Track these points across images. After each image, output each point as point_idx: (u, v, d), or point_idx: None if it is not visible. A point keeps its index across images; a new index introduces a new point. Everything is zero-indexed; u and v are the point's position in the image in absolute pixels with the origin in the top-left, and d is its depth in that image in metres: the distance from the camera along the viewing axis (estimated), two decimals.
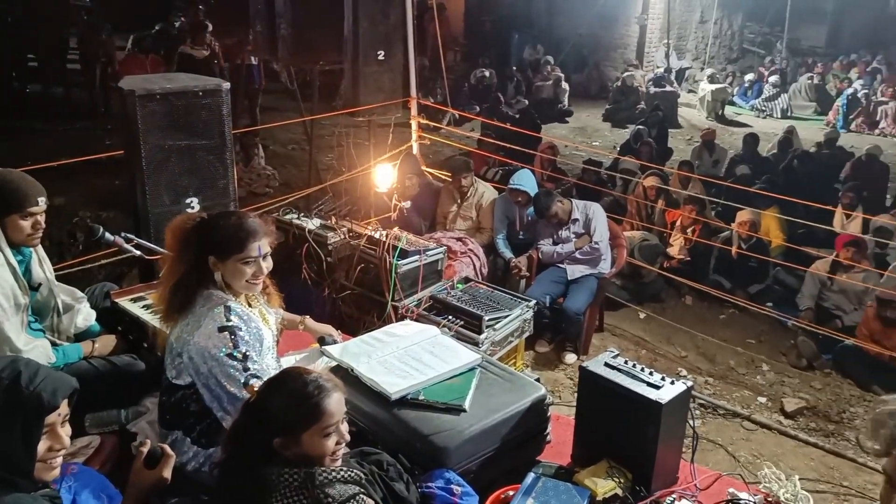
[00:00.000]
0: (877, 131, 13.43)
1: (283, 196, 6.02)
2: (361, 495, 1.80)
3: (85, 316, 3.08)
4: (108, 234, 3.33)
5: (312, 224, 4.79)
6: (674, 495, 2.54)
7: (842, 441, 4.56)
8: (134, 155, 3.81)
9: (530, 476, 2.52)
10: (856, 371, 5.25)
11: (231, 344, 2.36)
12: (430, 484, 2.29)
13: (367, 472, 2.23)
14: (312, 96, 7.38)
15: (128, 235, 3.43)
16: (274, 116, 8.80)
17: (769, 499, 2.62)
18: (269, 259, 2.55)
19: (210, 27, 9.20)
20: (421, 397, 2.58)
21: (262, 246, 2.50)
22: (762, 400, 4.99)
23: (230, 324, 2.39)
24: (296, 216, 4.92)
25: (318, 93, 7.50)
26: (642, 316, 6.03)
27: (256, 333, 2.46)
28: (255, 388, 2.20)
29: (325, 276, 4.67)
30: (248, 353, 2.38)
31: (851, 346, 5.34)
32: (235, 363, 2.35)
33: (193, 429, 2.46)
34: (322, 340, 2.99)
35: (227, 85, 3.97)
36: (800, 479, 2.78)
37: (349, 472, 1.83)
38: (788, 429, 4.64)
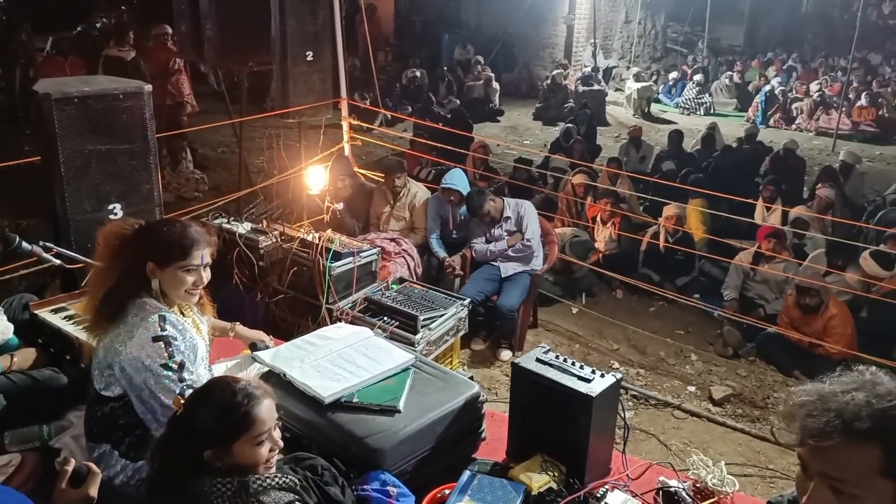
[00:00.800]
0: (793, 126, 13.99)
1: (213, 200, 5.90)
2: (296, 502, 1.78)
3: (1, 329, 2.96)
4: (24, 244, 3.20)
5: (243, 228, 4.72)
6: (606, 486, 2.59)
7: (767, 426, 4.74)
8: (52, 161, 3.68)
9: (466, 474, 2.53)
10: (778, 358, 5.46)
11: (166, 354, 2.31)
12: (365, 486, 2.28)
13: (301, 477, 2.20)
14: (241, 98, 7.25)
15: (47, 244, 3.31)
16: (202, 119, 8.61)
17: (697, 485, 2.69)
18: (209, 270, 2.52)
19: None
20: (355, 400, 2.56)
21: (205, 255, 2.47)
22: (691, 389, 5.14)
23: (165, 333, 2.34)
24: (225, 220, 4.84)
25: (246, 94, 7.37)
26: (575, 311, 6.14)
27: (191, 343, 2.41)
28: (182, 401, 2.16)
29: (258, 281, 4.61)
30: (184, 364, 2.34)
31: (773, 334, 5.55)
32: (171, 374, 2.30)
33: (122, 441, 2.39)
34: (253, 346, 2.94)
35: (148, 87, 3.87)
36: (728, 463, 2.88)
37: (283, 479, 1.81)
38: (717, 416, 4.80)
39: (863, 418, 1.31)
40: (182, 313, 2.51)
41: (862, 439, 1.31)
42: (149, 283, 2.41)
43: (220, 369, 2.84)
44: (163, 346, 2.31)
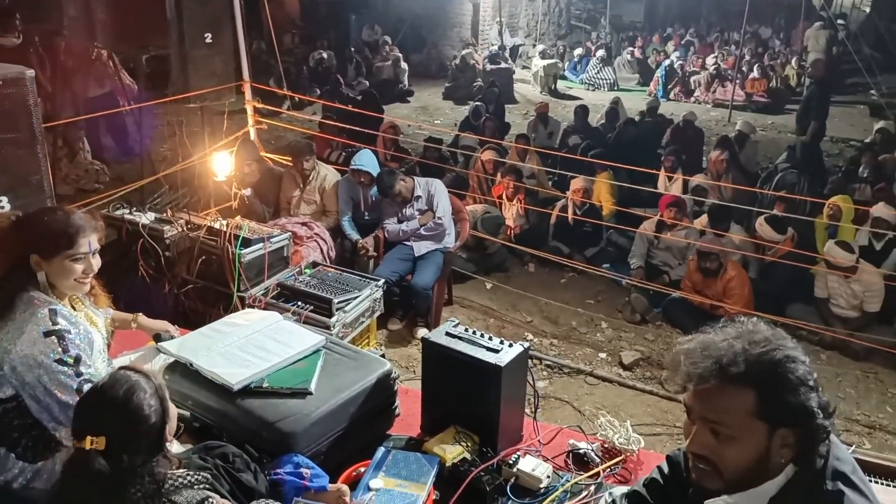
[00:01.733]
0: (692, 99, 14.53)
1: (115, 190, 5.68)
2: (211, 499, 1.75)
3: None
4: None
5: (146, 218, 4.59)
6: (518, 453, 2.66)
7: (674, 386, 4.95)
8: None
9: (380, 450, 2.56)
10: (682, 321, 5.70)
11: (60, 349, 2.22)
12: (278, 470, 2.27)
13: (212, 466, 2.18)
14: (139, 83, 6.97)
15: None
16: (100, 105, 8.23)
17: (605, 445, 2.80)
18: (98, 256, 2.42)
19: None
20: (265, 384, 2.54)
21: (92, 241, 2.37)
22: (602, 356, 5.31)
23: (57, 327, 2.25)
24: (127, 211, 4.69)
25: (146, 80, 7.09)
26: (489, 286, 6.23)
27: (85, 338, 2.33)
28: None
29: (165, 272, 4.49)
30: (80, 357, 2.25)
31: (678, 299, 5.79)
32: (66, 368, 2.21)
33: (19, 443, 2.29)
34: (158, 337, 2.87)
35: (30, 72, 3.65)
36: (638, 424, 3.01)
37: (195, 476, 1.78)
38: (627, 380, 4.99)
39: (738, 363, 1.40)
40: (73, 307, 2.42)
41: (737, 383, 1.40)
42: (35, 276, 2.31)
43: (122, 362, 2.75)
44: (55, 340, 2.22)
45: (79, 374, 2.23)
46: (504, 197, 7.02)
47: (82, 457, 1.67)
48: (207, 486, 1.86)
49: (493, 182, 7.35)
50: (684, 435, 1.52)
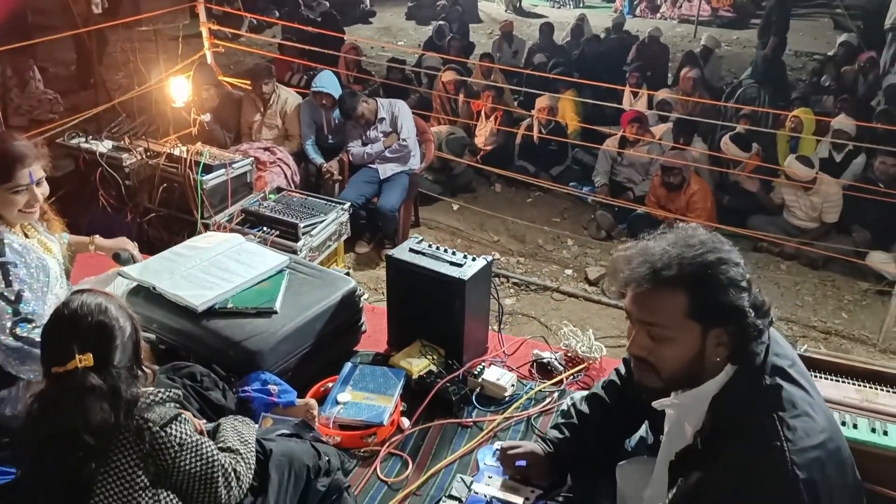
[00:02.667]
0: (658, 15, 14.34)
1: (70, 118, 5.51)
2: (182, 415, 1.77)
3: None
4: None
5: (104, 147, 4.49)
6: (484, 364, 2.72)
7: (613, 293, 5.06)
8: None
9: (347, 366, 2.60)
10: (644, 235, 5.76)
11: (3, 282, 2.17)
12: (246, 388, 2.30)
13: (180, 385, 2.20)
14: (88, 7, 6.67)
15: None
16: (47, 33, 7.90)
17: (568, 354, 2.88)
18: (45, 184, 2.35)
19: None
20: (229, 305, 2.55)
21: (35, 172, 2.28)
22: (568, 272, 5.39)
23: (3, 259, 2.19)
24: (84, 140, 4.57)
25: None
26: (455, 207, 6.23)
27: (39, 266, 2.29)
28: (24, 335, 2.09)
29: (126, 201, 4.43)
30: (21, 294, 2.19)
31: (642, 214, 5.85)
32: (4, 305, 2.15)
33: None
34: (117, 257, 2.83)
35: None
36: (603, 336, 3.08)
37: (167, 394, 1.78)
38: (592, 295, 5.08)
39: (671, 266, 1.44)
40: (25, 234, 2.36)
41: (669, 285, 1.44)
42: None
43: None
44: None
45: (16, 314, 2.17)
46: (483, 114, 6.96)
47: (74, 376, 1.65)
48: (178, 404, 1.88)
49: (456, 102, 7.26)
50: (628, 339, 1.56)
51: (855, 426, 2.08)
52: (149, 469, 1.66)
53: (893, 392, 2.22)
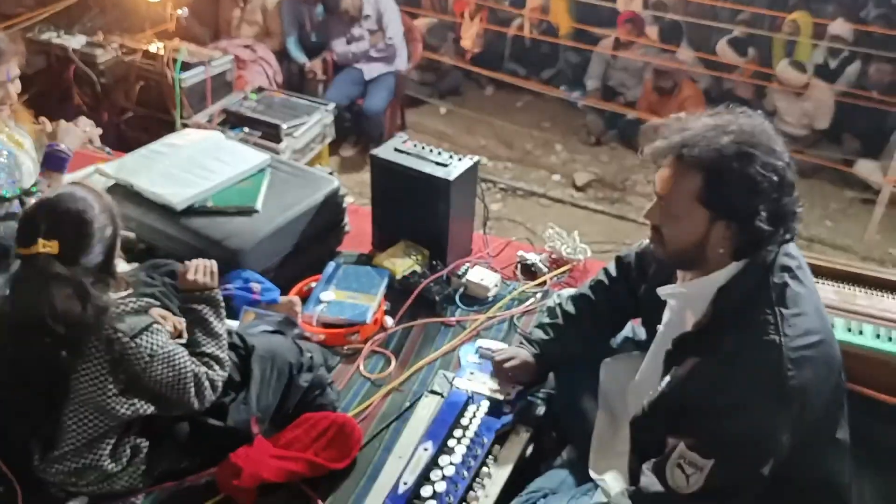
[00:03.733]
0: None
1: (39, 11, 5.26)
2: (155, 324, 1.74)
3: None
4: None
5: (76, 42, 4.32)
6: (468, 264, 2.72)
7: (626, 206, 5.05)
8: None
9: (331, 265, 2.59)
10: (637, 141, 5.70)
11: None
12: (227, 286, 2.29)
13: (160, 283, 2.18)
14: None
15: None
16: None
17: (553, 256, 2.88)
18: (18, 82, 2.28)
19: None
20: (209, 204, 2.50)
21: (11, 69, 2.22)
22: (556, 178, 5.34)
23: None
24: (55, 35, 4.40)
25: None
26: (443, 111, 6.11)
27: (10, 159, 2.22)
28: None
29: (102, 100, 4.30)
30: None
31: (633, 120, 5.75)
32: None
33: None
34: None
35: None
36: (588, 242, 3.06)
37: (138, 303, 1.75)
38: (579, 200, 5.05)
39: (695, 146, 1.39)
40: None
41: (688, 165, 1.40)
42: None
43: None
44: None
45: None
46: (466, 14, 6.72)
47: (36, 261, 1.62)
48: (156, 304, 1.86)
49: (446, 1, 7.00)
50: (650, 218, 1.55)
51: (832, 326, 2.10)
52: (119, 377, 1.67)
53: (871, 293, 2.24)
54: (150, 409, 1.74)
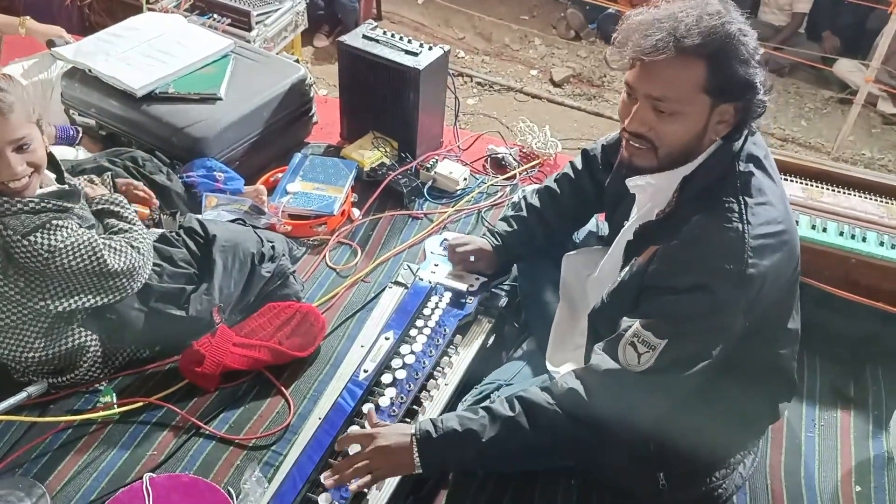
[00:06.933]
0: None
1: None
2: (54, 222, 1.64)
3: None
4: None
5: None
6: (437, 157, 2.69)
7: (602, 103, 4.98)
8: None
9: (297, 156, 2.55)
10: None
11: None
12: (191, 173, 2.25)
13: (122, 167, 2.14)
14: None
15: None
16: None
17: (524, 150, 2.85)
18: None
19: None
20: (171, 90, 2.43)
21: None
22: (534, 73, 5.23)
23: None
24: None
25: None
26: (420, 1, 5.90)
27: None
28: None
29: None
30: None
31: (614, 13, 5.58)
32: None
33: None
34: (51, 44, 2.66)
35: None
36: (564, 138, 3.02)
37: (44, 203, 1.64)
38: (556, 96, 4.97)
39: (692, 35, 1.33)
40: None
41: (690, 55, 1.34)
42: None
43: (15, 70, 2.58)
44: None
45: None
46: None
47: None
48: (62, 212, 1.69)
49: None
50: (621, 116, 1.47)
51: (796, 222, 2.12)
52: (9, 273, 1.66)
53: (838, 191, 2.25)
54: (75, 303, 1.72)
